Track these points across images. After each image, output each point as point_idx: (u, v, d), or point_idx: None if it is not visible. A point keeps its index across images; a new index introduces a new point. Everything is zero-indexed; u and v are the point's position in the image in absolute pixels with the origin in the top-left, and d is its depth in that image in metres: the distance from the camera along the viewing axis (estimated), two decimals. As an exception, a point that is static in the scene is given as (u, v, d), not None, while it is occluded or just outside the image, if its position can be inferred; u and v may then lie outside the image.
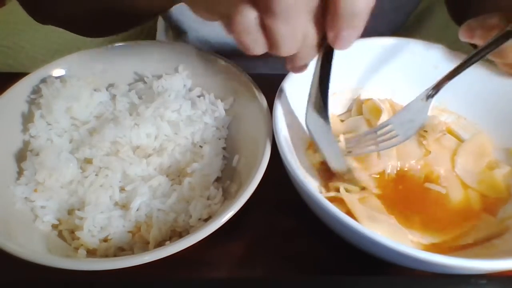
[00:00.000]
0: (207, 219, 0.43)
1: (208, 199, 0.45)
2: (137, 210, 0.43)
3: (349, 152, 0.47)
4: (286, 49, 0.33)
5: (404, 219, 0.44)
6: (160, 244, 0.42)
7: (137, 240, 0.43)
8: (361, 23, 0.32)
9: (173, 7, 0.65)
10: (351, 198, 0.43)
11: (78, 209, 0.43)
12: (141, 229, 0.43)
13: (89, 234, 0.41)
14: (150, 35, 0.91)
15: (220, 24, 0.36)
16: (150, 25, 0.89)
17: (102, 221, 0.42)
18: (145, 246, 0.42)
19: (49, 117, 0.48)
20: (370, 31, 0.65)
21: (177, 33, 0.72)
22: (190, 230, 0.42)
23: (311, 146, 0.50)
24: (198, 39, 0.69)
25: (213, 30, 0.67)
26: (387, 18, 0.68)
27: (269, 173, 0.41)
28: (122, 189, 0.45)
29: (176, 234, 0.43)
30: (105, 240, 0.42)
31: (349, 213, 0.42)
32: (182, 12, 0.67)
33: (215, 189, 0.45)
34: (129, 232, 0.43)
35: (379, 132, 0.47)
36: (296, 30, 0.32)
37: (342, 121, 0.54)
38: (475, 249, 0.41)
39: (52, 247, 0.41)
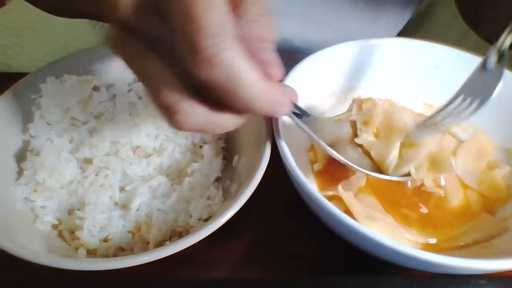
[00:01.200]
0: (207, 219, 0.43)
1: (208, 199, 0.45)
2: (137, 210, 0.43)
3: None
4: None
5: (401, 218, 0.44)
6: (160, 244, 0.42)
7: (137, 240, 0.43)
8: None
9: None
10: (349, 196, 0.43)
11: (78, 209, 0.43)
12: (141, 229, 0.43)
13: (89, 234, 0.41)
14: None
15: None
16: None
17: (102, 221, 0.42)
18: (145, 246, 0.42)
19: (49, 117, 0.48)
20: (376, 27, 0.64)
21: None
22: (190, 230, 0.42)
23: (312, 147, 0.50)
24: None
25: None
26: (393, 15, 0.67)
27: (269, 173, 0.41)
28: (122, 189, 0.45)
29: (176, 234, 0.43)
30: (105, 240, 0.42)
31: (348, 211, 0.42)
32: None
33: (215, 189, 0.45)
34: (129, 232, 0.43)
35: (450, 107, 0.42)
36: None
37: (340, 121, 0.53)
38: (475, 249, 0.41)
39: (52, 247, 0.41)
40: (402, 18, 0.69)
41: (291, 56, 0.68)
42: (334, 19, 0.65)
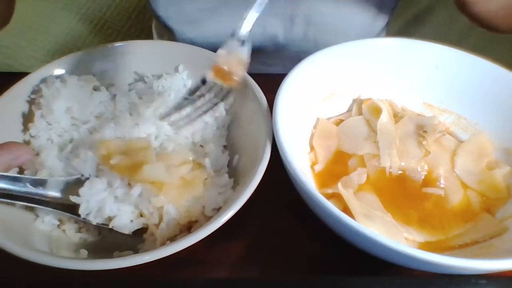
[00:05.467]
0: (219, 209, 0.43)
1: (220, 187, 0.45)
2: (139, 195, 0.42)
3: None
4: None
5: (401, 216, 0.44)
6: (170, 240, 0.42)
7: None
8: None
9: (160, 10, 0.66)
10: (348, 194, 0.43)
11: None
12: (148, 220, 0.43)
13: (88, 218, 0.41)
14: (150, 35, 0.91)
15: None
16: (150, 25, 0.89)
17: (96, 204, 0.41)
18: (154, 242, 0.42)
19: (49, 117, 0.48)
20: (356, 23, 0.65)
21: (168, 34, 0.73)
22: (201, 223, 0.42)
23: (313, 148, 0.50)
24: (185, 41, 0.70)
25: (198, 32, 0.68)
26: (373, 11, 0.68)
27: (269, 173, 0.41)
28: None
29: (184, 229, 0.43)
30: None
31: (347, 209, 0.42)
32: (168, 15, 0.68)
33: (227, 178, 0.46)
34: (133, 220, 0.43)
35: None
36: None
37: (341, 121, 0.54)
38: (474, 249, 0.41)
39: (54, 245, 0.41)
40: (382, 14, 0.69)
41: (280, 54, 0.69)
42: (316, 14, 0.65)
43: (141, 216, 0.43)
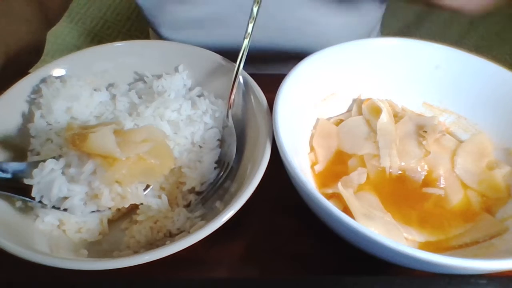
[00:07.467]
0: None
1: (190, 212, 0.45)
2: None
3: None
4: None
5: (401, 216, 0.44)
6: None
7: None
8: None
9: (148, 16, 0.66)
10: (348, 194, 0.43)
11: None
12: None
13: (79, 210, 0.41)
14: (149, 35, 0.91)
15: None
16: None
17: (47, 185, 0.41)
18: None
19: (49, 117, 0.48)
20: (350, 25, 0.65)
21: (161, 38, 0.74)
22: (188, 231, 0.42)
23: (313, 148, 0.50)
24: None
25: (185, 37, 0.68)
26: (365, 16, 0.69)
27: (269, 173, 0.41)
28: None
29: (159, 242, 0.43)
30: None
31: (347, 209, 0.42)
32: (156, 22, 0.68)
33: (199, 204, 0.46)
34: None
35: None
36: None
37: (341, 121, 0.54)
38: (474, 249, 0.41)
39: (54, 244, 0.41)
40: (374, 19, 0.70)
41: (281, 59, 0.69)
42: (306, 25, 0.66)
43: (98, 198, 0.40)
